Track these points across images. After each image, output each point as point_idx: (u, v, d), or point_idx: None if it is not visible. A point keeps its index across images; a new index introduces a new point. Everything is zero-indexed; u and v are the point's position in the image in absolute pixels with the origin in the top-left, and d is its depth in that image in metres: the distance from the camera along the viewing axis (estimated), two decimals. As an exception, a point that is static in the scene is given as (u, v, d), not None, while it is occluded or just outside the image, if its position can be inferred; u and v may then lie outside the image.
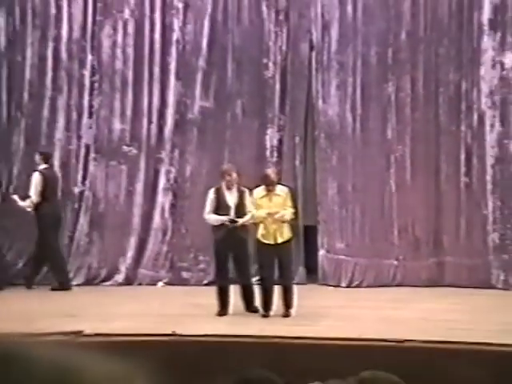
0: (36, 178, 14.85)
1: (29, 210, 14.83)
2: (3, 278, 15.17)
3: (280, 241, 12.29)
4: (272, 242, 12.27)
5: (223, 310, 12.48)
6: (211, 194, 12.70)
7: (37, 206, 14.87)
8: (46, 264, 15.04)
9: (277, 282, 12.41)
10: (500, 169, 14.45)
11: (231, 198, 12.57)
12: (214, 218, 12.61)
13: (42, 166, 14.96)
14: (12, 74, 15.94)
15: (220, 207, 12.56)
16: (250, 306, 12.54)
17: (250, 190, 12.60)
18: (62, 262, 15.17)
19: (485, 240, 14.44)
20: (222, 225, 12.46)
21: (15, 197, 14.98)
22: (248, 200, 12.56)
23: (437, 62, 14.65)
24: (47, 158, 15.09)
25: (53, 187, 15.03)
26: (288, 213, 12.32)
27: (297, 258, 13.96)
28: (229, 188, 12.62)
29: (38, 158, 15.01)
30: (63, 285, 14.84)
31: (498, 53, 14.41)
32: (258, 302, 12.51)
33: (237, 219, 12.42)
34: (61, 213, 15.33)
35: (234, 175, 12.67)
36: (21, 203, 14.84)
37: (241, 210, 12.54)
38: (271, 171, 12.83)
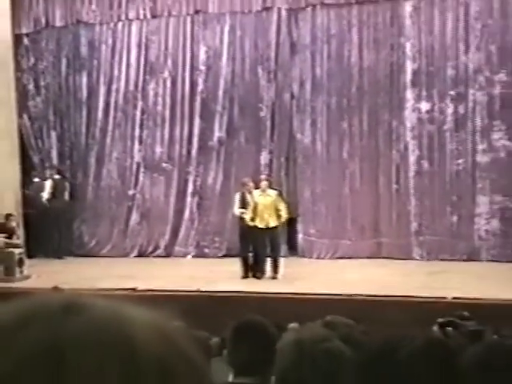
0: (48, 184, 15.24)
1: (46, 203, 15.23)
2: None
3: (271, 225, 12.33)
4: (264, 227, 12.33)
5: (246, 274, 12.39)
6: (238, 197, 12.71)
7: (50, 202, 15.14)
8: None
9: (268, 255, 12.46)
10: (418, 179, 14.45)
11: (250, 199, 12.53)
12: (237, 211, 12.62)
13: (55, 177, 15.33)
14: (89, 115, 16.05)
15: (244, 206, 12.55)
16: (255, 274, 12.42)
17: None
18: (59, 242, 15.32)
19: (408, 227, 14.42)
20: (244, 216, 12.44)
21: (43, 194, 15.19)
22: None
23: (376, 107, 14.62)
24: (58, 171, 15.47)
25: (61, 191, 15.26)
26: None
27: (283, 238, 13.97)
28: (249, 192, 12.61)
29: (52, 171, 15.44)
30: (58, 255, 15.00)
31: (416, 101, 14.35)
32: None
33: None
34: (65, 208, 15.45)
35: (251, 184, 12.72)
36: (43, 199, 15.14)
37: None
38: (263, 177, 13.04)
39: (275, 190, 12.90)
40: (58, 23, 16.03)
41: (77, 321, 0.73)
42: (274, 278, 12.23)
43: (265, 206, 12.30)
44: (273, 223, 12.33)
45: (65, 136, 16.15)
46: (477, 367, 1.90)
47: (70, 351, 0.71)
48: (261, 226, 12.26)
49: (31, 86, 16.23)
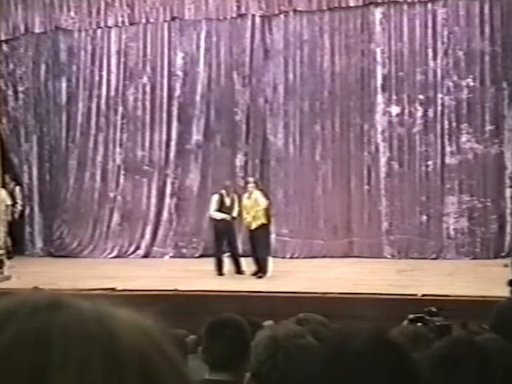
0: None
1: None
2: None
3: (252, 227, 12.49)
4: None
5: (220, 271, 12.54)
6: (215, 198, 12.82)
7: None
8: None
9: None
10: (389, 180, 14.52)
11: (227, 201, 12.71)
12: (218, 215, 12.68)
13: None
14: (69, 119, 15.93)
15: (222, 207, 12.67)
16: (239, 270, 12.61)
17: (239, 196, 12.84)
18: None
19: (379, 226, 14.49)
20: (222, 219, 12.57)
21: None
22: (236, 202, 12.76)
23: (348, 110, 14.70)
24: None
25: None
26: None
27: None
28: (227, 194, 12.75)
29: None
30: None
31: (386, 105, 14.46)
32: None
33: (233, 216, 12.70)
34: None
35: (225, 187, 12.93)
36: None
37: (232, 208, 12.69)
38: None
39: (261, 192, 12.98)
40: (37, 30, 15.92)
41: (62, 315, 0.74)
42: (259, 276, 12.25)
43: (246, 207, 12.54)
44: (254, 224, 12.46)
45: (44, 140, 16.06)
46: (441, 360, 1.93)
47: (56, 341, 0.72)
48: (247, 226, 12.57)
49: (10, 91, 16.13)
